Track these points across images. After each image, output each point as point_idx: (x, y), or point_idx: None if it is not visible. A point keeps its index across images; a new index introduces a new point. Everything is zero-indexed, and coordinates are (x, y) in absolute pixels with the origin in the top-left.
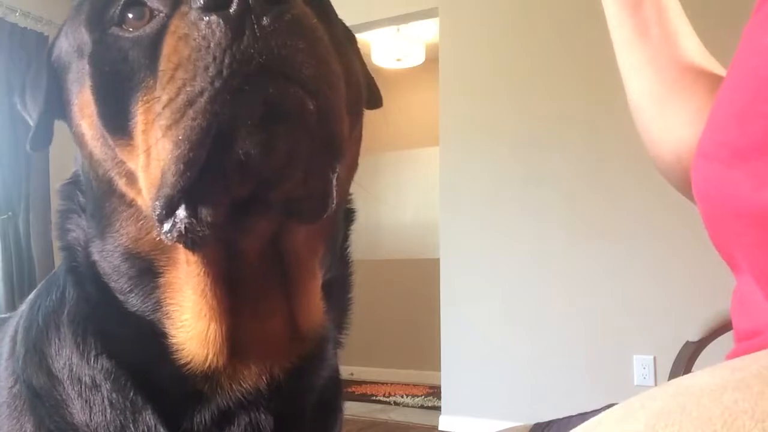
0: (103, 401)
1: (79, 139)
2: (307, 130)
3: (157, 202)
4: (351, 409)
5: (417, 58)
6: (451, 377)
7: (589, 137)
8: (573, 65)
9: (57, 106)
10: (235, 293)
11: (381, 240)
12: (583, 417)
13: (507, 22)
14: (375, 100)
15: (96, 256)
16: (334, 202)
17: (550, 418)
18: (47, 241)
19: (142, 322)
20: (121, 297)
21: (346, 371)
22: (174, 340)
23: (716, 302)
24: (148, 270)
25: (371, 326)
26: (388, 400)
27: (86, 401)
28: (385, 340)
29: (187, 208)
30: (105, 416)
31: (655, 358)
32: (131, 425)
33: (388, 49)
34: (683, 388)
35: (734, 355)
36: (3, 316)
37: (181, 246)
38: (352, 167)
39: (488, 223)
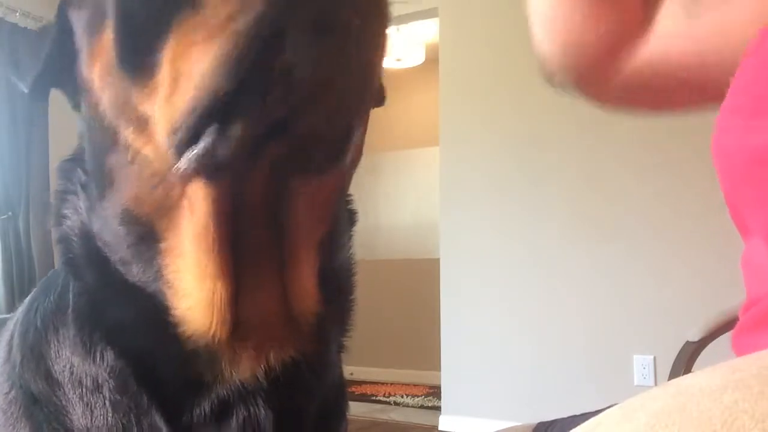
0: (105, 404)
1: (86, 89)
2: (350, 53)
3: (182, 129)
4: (351, 409)
5: (417, 58)
6: (451, 377)
7: (589, 137)
8: None
9: (57, 66)
10: (235, 258)
11: (381, 240)
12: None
13: (507, 22)
14: (380, 97)
15: (96, 226)
16: (348, 157)
17: (552, 418)
18: (47, 241)
19: (144, 297)
20: (122, 269)
21: (346, 371)
22: (177, 312)
23: (716, 302)
24: (148, 235)
25: (371, 326)
26: (388, 400)
27: (87, 405)
28: (385, 340)
29: (219, 123)
30: (106, 419)
31: (655, 358)
32: (134, 427)
33: (388, 49)
34: (683, 388)
35: (740, 328)
36: (1, 317)
37: (185, 205)
38: (360, 149)
39: (488, 223)
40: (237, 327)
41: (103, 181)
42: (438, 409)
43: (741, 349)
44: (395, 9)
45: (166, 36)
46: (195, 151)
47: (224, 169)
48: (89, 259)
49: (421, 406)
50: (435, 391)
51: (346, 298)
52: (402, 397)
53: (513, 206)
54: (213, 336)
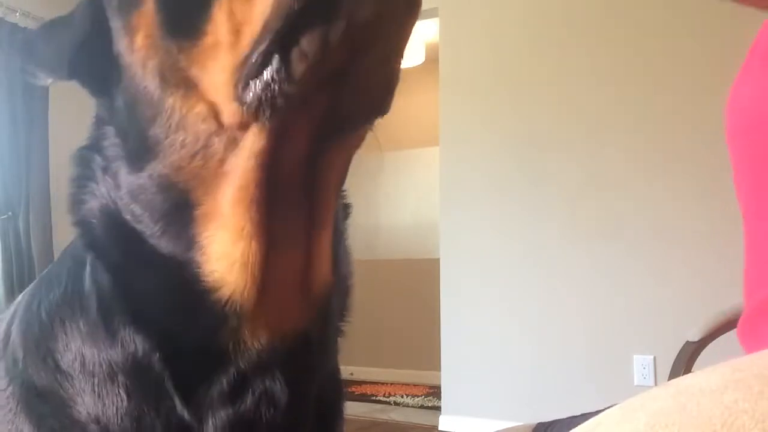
0: (120, 392)
1: (125, 66)
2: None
3: (246, 66)
4: (351, 409)
5: (417, 58)
6: (451, 377)
7: (589, 137)
8: (573, 64)
9: (87, 51)
10: (269, 217)
11: (381, 240)
12: (585, 417)
13: (507, 22)
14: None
15: (124, 203)
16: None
17: (552, 418)
18: (47, 241)
19: (175, 268)
20: (152, 241)
21: (346, 371)
22: (211, 277)
23: (716, 302)
24: (184, 203)
25: (371, 326)
26: (388, 400)
27: (99, 395)
28: (385, 340)
29: (282, 54)
30: (121, 407)
31: (655, 358)
32: (152, 412)
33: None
34: (683, 388)
35: (745, 318)
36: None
37: (228, 166)
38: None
39: (488, 223)
40: (263, 289)
41: (142, 155)
42: (438, 409)
43: (755, 337)
44: None
45: None
46: (257, 88)
47: (283, 107)
48: (114, 237)
49: (421, 406)
50: (435, 391)
51: (345, 282)
52: (402, 397)
53: (513, 206)
54: (240, 297)
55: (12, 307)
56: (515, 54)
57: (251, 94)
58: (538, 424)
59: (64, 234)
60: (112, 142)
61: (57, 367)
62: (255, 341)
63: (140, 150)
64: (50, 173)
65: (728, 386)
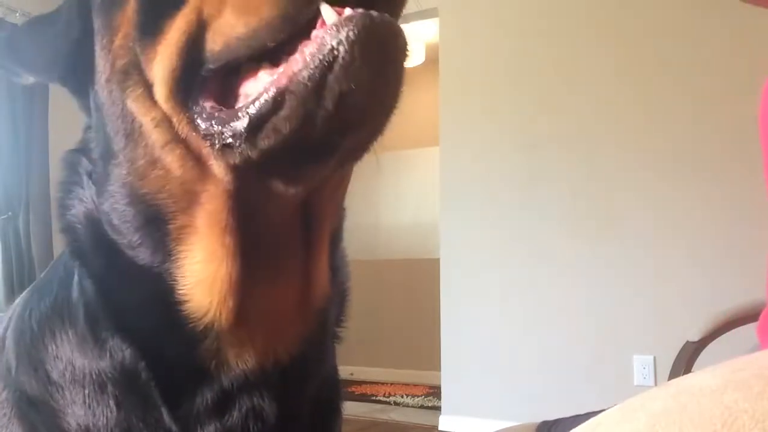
0: (109, 402)
1: (98, 64)
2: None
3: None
4: (351, 409)
5: (417, 58)
6: (451, 377)
7: (589, 138)
8: (573, 64)
9: (72, 52)
10: (253, 246)
11: (381, 240)
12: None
13: (507, 22)
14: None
15: (104, 211)
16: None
17: (552, 418)
18: (47, 241)
19: (151, 278)
20: (130, 253)
21: (346, 371)
22: (182, 291)
23: (716, 302)
24: (156, 217)
25: (371, 326)
26: (388, 400)
27: (89, 405)
28: (385, 340)
29: (253, 120)
30: (110, 418)
31: (655, 358)
32: (140, 422)
33: None
34: (683, 388)
35: (765, 313)
36: None
37: (200, 185)
38: None
39: (488, 223)
40: (246, 315)
41: (109, 159)
42: (438, 409)
43: None
44: None
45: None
46: (223, 132)
47: (243, 167)
48: (96, 245)
49: (421, 406)
50: (435, 391)
51: (342, 288)
52: (402, 397)
53: (513, 206)
54: (213, 317)
55: (9, 312)
56: (515, 54)
57: (208, 132)
58: (542, 422)
59: None
60: (95, 146)
61: (48, 377)
62: (241, 362)
63: (107, 154)
64: (50, 173)
65: (728, 386)
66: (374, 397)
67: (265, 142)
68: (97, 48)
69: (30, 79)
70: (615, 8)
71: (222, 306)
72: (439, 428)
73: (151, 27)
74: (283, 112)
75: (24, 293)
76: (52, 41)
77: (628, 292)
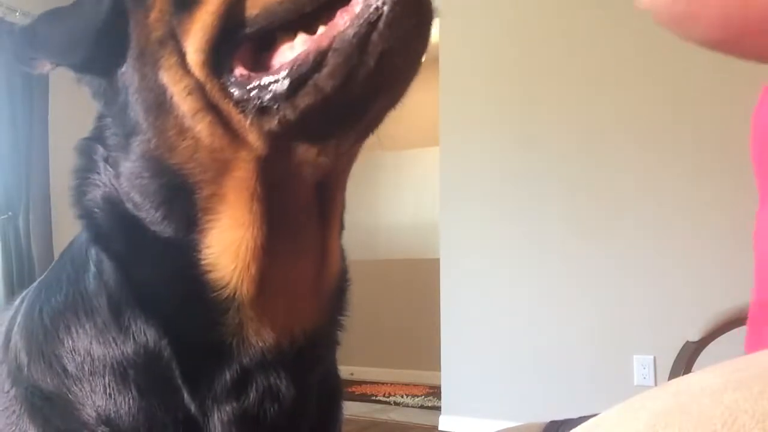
0: (131, 389)
1: (132, 41)
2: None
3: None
4: (351, 409)
5: None
6: (451, 377)
7: (590, 137)
8: (573, 64)
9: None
10: (275, 216)
11: (381, 240)
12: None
13: (507, 22)
14: None
15: (126, 189)
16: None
17: (553, 418)
18: (47, 241)
19: (176, 250)
20: (154, 227)
21: (346, 371)
22: (207, 260)
23: (716, 302)
24: (183, 187)
25: (371, 326)
26: (388, 400)
27: (110, 395)
28: (385, 340)
29: (293, 81)
30: (132, 406)
31: (655, 358)
32: (162, 407)
33: None
34: (683, 388)
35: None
36: None
37: (229, 153)
38: None
39: (488, 223)
40: (267, 286)
41: (137, 134)
42: (438, 409)
43: (755, 338)
44: None
45: None
46: (262, 95)
47: (279, 130)
48: (117, 225)
49: (421, 406)
50: (435, 391)
51: (344, 277)
52: (402, 397)
53: (513, 206)
54: (236, 286)
55: (10, 311)
56: (515, 54)
57: (242, 97)
58: (550, 422)
59: (64, 234)
60: (112, 132)
61: (64, 371)
62: (259, 340)
63: (131, 132)
64: (50, 173)
65: (728, 386)
66: (374, 397)
67: (305, 100)
68: (132, 23)
69: (47, 67)
70: (615, 7)
71: (245, 274)
72: (439, 428)
73: (183, 4)
74: (327, 70)
75: (29, 292)
76: (79, 24)
77: (628, 292)
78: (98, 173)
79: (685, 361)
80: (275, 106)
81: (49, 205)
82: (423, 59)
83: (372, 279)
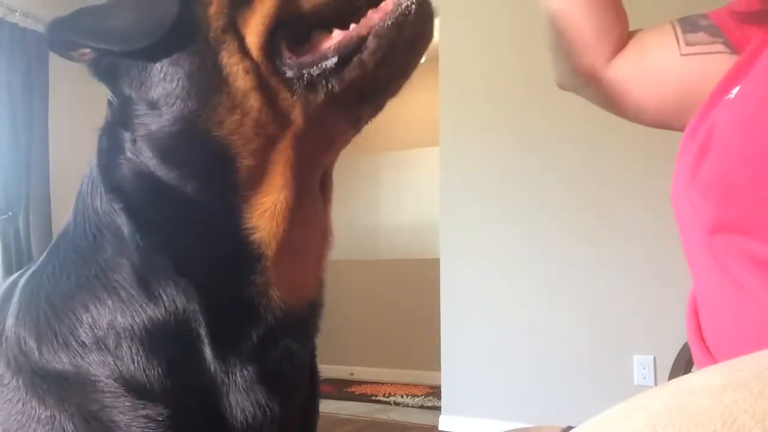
0: (158, 359)
1: (202, 29)
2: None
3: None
4: (351, 409)
5: None
6: (451, 377)
7: (590, 138)
8: None
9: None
10: (299, 182)
11: (381, 240)
12: None
13: (507, 22)
14: None
15: (158, 160)
16: None
17: (553, 418)
18: (47, 241)
19: (215, 218)
20: (192, 195)
21: (346, 371)
22: (247, 224)
23: None
24: (226, 157)
25: (371, 326)
26: (388, 400)
27: (138, 363)
28: (385, 340)
29: (342, 56)
30: (161, 374)
31: (655, 358)
32: (187, 370)
33: None
34: (683, 388)
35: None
36: None
37: (273, 127)
38: None
39: (488, 223)
40: (288, 247)
41: (182, 115)
42: (438, 409)
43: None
44: None
45: None
46: (313, 70)
47: (323, 102)
48: (151, 196)
49: (421, 406)
50: (435, 391)
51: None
52: (402, 397)
53: (513, 206)
54: (267, 246)
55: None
56: (515, 54)
57: (294, 75)
58: (567, 427)
59: None
60: (142, 121)
61: (83, 346)
62: (281, 301)
63: (180, 108)
64: (50, 173)
65: (728, 386)
66: (374, 397)
67: (351, 74)
68: (199, 13)
69: (87, 56)
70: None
71: (275, 234)
72: (439, 428)
73: None
74: (368, 50)
75: (20, 287)
76: (153, 13)
77: (628, 292)
78: (125, 153)
79: (685, 361)
80: (323, 81)
81: (49, 205)
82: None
83: (372, 279)
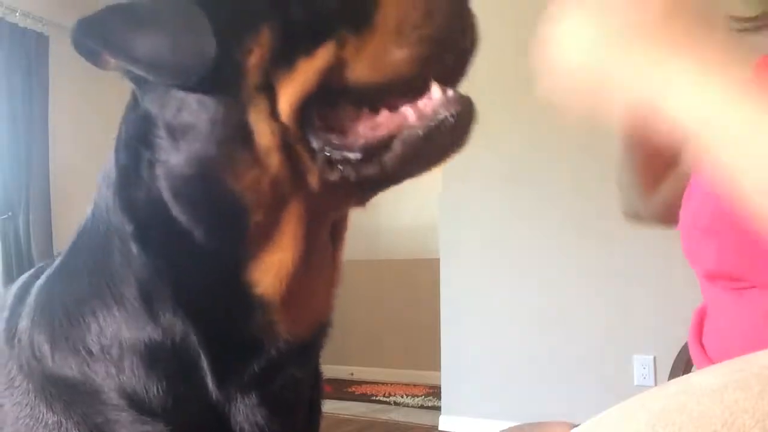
0: (158, 373)
1: (235, 79)
2: None
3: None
4: (351, 409)
5: None
6: (451, 377)
7: (592, 136)
8: None
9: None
10: (309, 240)
11: (381, 240)
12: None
13: (506, 24)
14: None
15: (173, 195)
16: None
17: (553, 418)
18: (47, 241)
19: (220, 264)
20: (198, 239)
21: (346, 371)
22: (248, 277)
23: None
24: (239, 209)
25: (371, 326)
26: (388, 400)
27: (139, 378)
28: (385, 340)
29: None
30: (159, 389)
31: (655, 358)
32: (188, 390)
33: None
34: (683, 387)
35: None
36: None
37: (289, 188)
38: None
39: (488, 223)
40: (296, 296)
41: (206, 158)
42: (438, 409)
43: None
44: None
45: (328, 42)
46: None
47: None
48: (161, 227)
49: (421, 406)
50: (435, 391)
51: None
52: (402, 397)
53: (513, 206)
54: (271, 298)
55: (5, 306)
56: (515, 56)
57: (318, 147)
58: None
59: (64, 234)
60: (161, 146)
61: (90, 354)
62: (287, 336)
63: (198, 151)
64: (50, 173)
65: (728, 386)
66: (374, 397)
67: (368, 170)
68: (237, 58)
69: (111, 65)
70: None
71: (280, 288)
72: (439, 428)
73: (286, 61)
74: (392, 153)
75: (38, 285)
76: (191, 46)
77: (628, 292)
78: (143, 175)
79: (685, 361)
80: (341, 167)
81: (49, 205)
82: None
83: (372, 279)
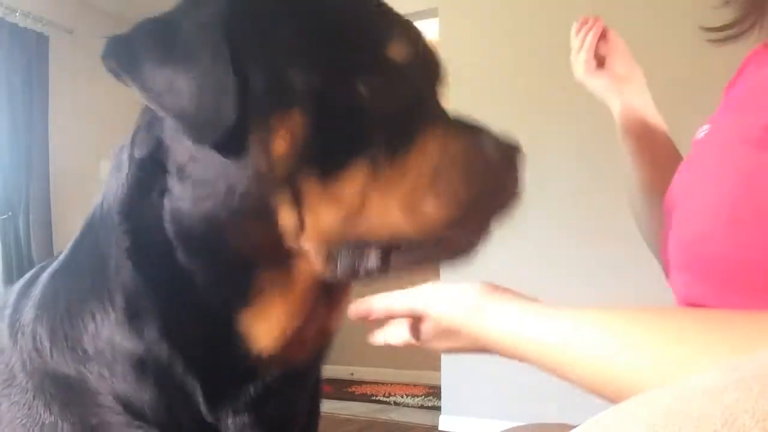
0: (148, 381)
1: (261, 163)
2: None
3: (343, 249)
4: (351, 409)
5: None
6: (451, 377)
7: (590, 137)
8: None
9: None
10: (308, 306)
11: None
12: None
13: (507, 23)
14: None
15: (179, 241)
16: None
17: (553, 419)
18: (47, 241)
19: (213, 313)
20: (197, 285)
21: (346, 371)
22: (242, 330)
23: None
24: (239, 268)
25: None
26: (388, 400)
27: (129, 381)
28: None
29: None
30: (151, 396)
31: None
32: (180, 401)
33: None
34: (683, 387)
35: None
36: None
37: (292, 259)
38: None
39: None
40: (290, 343)
41: (221, 220)
42: (438, 409)
43: None
44: (396, 9)
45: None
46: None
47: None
48: (162, 266)
49: (421, 406)
50: (435, 391)
51: None
52: (402, 397)
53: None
54: (264, 347)
55: (9, 301)
56: (516, 53)
57: (339, 265)
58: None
59: (64, 234)
60: (173, 184)
61: (85, 354)
62: (282, 366)
63: (216, 215)
64: (50, 173)
65: (728, 386)
66: (374, 397)
67: (364, 279)
68: (265, 138)
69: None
70: (616, 9)
71: (272, 347)
72: (439, 428)
73: (316, 163)
74: (404, 258)
75: (42, 281)
76: (212, 103)
77: (629, 292)
78: (151, 199)
79: None
80: (342, 273)
81: (49, 205)
82: None
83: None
